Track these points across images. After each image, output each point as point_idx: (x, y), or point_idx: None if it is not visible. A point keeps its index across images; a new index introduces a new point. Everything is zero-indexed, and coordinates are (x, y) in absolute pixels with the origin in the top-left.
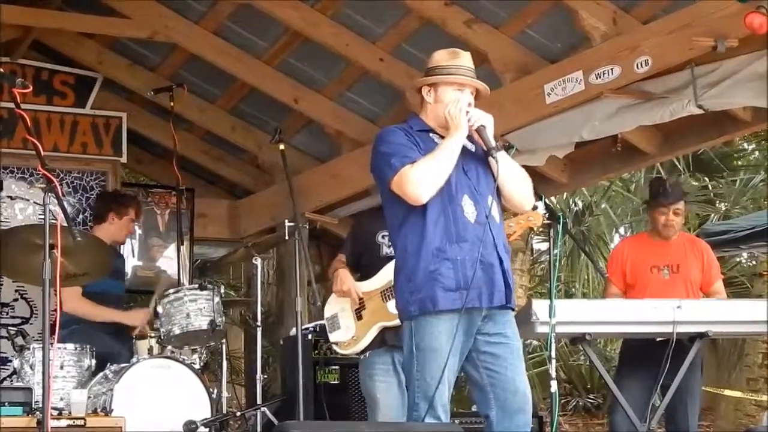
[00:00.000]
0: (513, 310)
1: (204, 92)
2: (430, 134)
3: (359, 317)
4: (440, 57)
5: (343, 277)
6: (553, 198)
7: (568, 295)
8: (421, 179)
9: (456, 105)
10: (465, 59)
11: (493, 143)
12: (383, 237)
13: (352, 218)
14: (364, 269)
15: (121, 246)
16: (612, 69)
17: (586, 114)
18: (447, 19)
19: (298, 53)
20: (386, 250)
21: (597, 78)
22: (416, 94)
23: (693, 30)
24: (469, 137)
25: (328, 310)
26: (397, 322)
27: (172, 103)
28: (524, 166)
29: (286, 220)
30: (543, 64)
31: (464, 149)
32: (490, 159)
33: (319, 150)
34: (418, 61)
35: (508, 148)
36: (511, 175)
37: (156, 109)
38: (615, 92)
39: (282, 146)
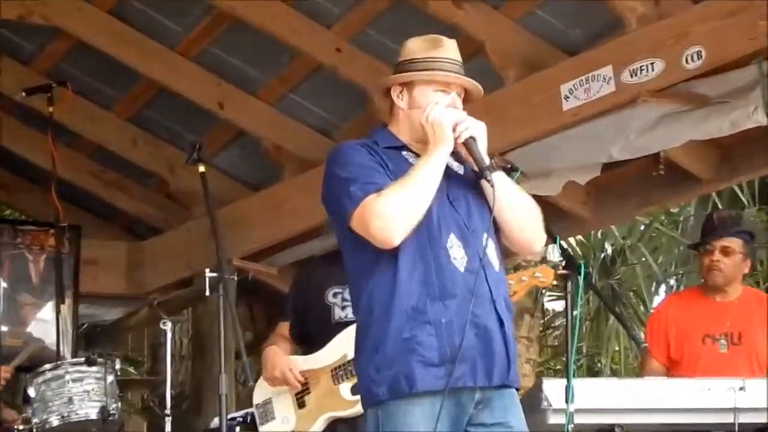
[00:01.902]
0: (517, 389)
1: (95, 94)
2: (403, 152)
3: (301, 404)
4: (416, 47)
5: (274, 358)
6: (572, 240)
7: (592, 373)
8: (392, 213)
9: (437, 110)
10: (449, 49)
11: (486, 161)
12: (335, 295)
13: (293, 271)
14: (310, 340)
15: None
16: (653, 64)
17: (618, 125)
18: None
19: (224, 41)
20: (339, 314)
21: (632, 76)
22: (385, 97)
23: (761, 11)
24: (455, 154)
25: (259, 394)
26: (353, 411)
27: (51, 108)
28: (534, 197)
29: (207, 270)
30: (559, 56)
31: (449, 171)
32: (483, 182)
33: (254, 173)
34: (387, 53)
35: (510, 170)
36: (513, 202)
37: (29, 117)
38: (656, 95)
39: (202, 168)
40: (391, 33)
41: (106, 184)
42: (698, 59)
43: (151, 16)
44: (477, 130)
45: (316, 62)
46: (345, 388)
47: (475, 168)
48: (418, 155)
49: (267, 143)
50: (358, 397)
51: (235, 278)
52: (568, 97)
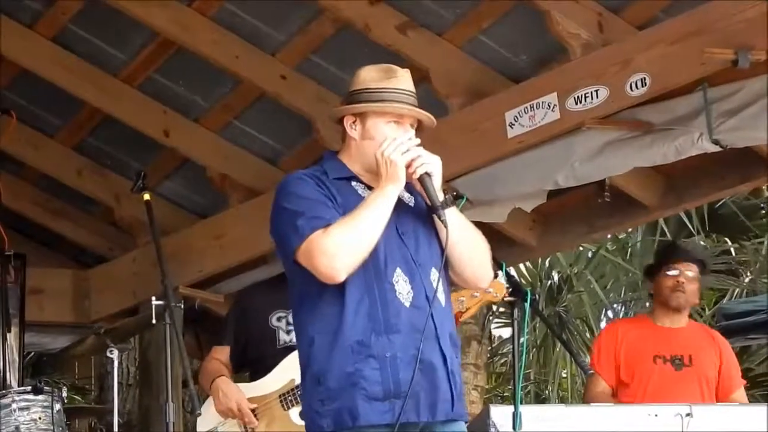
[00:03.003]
0: (465, 422)
1: (39, 122)
2: (352, 183)
3: None
4: (369, 76)
5: (226, 390)
6: (518, 267)
7: (540, 399)
8: (338, 249)
9: (393, 147)
10: (402, 80)
11: (440, 197)
12: (279, 319)
13: (234, 295)
14: (253, 366)
15: None
16: (597, 91)
17: (563, 152)
18: (372, 22)
19: (168, 69)
20: (284, 338)
21: (576, 103)
22: (337, 124)
23: (706, 38)
24: (408, 185)
25: (204, 424)
26: None
27: None
28: (479, 224)
29: (153, 298)
30: (503, 83)
31: (400, 203)
32: (436, 218)
33: (199, 201)
34: (332, 80)
35: (455, 198)
36: (465, 239)
37: None
38: (601, 122)
39: (147, 196)
40: (336, 60)
41: (51, 212)
42: (642, 86)
43: (94, 43)
44: (432, 166)
45: (261, 90)
46: (295, 413)
47: (428, 203)
48: (367, 186)
49: (212, 171)
50: None
51: (182, 306)
52: (513, 125)
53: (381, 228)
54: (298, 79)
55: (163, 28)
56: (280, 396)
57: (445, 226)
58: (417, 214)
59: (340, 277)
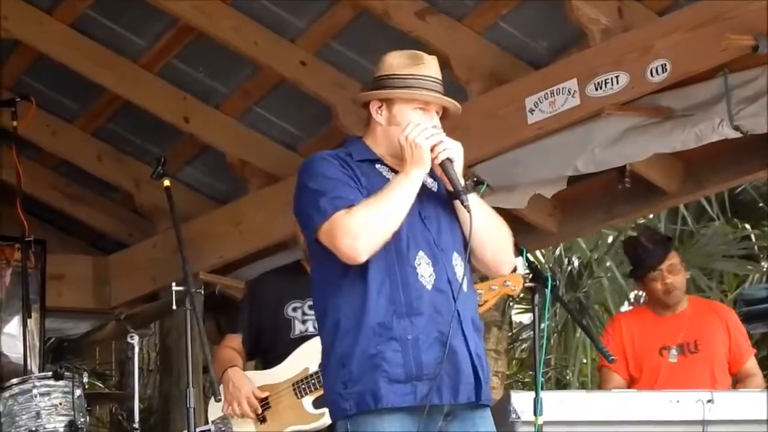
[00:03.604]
0: (488, 406)
1: (58, 107)
2: (377, 165)
3: (262, 419)
4: (396, 62)
5: (237, 382)
6: (538, 253)
7: (561, 385)
8: (361, 230)
9: (417, 131)
10: (429, 66)
11: (462, 182)
12: (295, 309)
13: (247, 283)
14: (266, 355)
15: None
16: (617, 77)
17: (583, 138)
18: (392, 8)
19: (188, 55)
20: (300, 328)
21: (597, 89)
22: (360, 109)
23: (726, 24)
24: (431, 172)
25: (215, 410)
26: (317, 424)
27: (15, 123)
28: (499, 210)
29: (173, 284)
30: (523, 69)
31: (423, 188)
32: (458, 203)
33: (219, 187)
34: (352, 66)
35: (476, 184)
36: (487, 226)
37: None
38: (621, 108)
39: (167, 182)
40: (356, 46)
41: (71, 198)
42: (663, 72)
43: (113, 29)
44: (454, 151)
45: (280, 76)
46: (308, 401)
47: (450, 188)
48: (392, 169)
49: (231, 157)
50: (322, 410)
51: (202, 292)
52: (533, 111)
53: (405, 211)
54: (317, 65)
55: (183, 14)
56: (293, 384)
57: (469, 212)
58: (439, 200)
59: (362, 257)
